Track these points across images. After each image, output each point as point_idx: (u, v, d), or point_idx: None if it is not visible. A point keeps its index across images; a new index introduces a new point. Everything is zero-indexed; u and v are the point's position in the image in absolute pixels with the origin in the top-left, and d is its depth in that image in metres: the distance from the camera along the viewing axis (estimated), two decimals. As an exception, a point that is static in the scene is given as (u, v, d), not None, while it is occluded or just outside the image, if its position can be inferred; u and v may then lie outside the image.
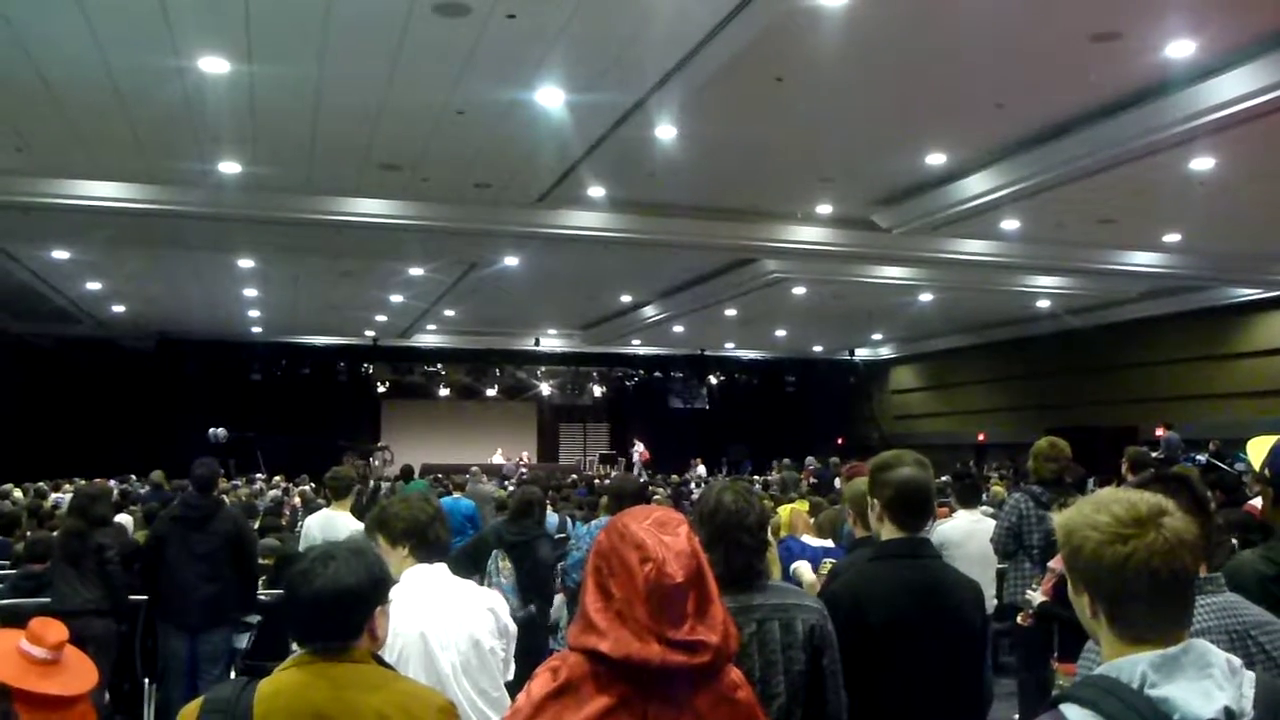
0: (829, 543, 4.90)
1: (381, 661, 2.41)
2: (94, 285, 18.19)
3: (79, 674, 4.61)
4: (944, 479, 9.47)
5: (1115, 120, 9.33)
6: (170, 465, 14.97)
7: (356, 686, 2.26)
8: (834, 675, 2.65)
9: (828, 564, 4.76)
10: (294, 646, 2.35)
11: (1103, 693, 1.58)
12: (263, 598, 6.94)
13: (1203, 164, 10.52)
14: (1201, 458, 13.67)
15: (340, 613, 2.28)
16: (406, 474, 14.65)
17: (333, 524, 6.83)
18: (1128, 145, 9.59)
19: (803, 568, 5.01)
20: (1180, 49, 8.01)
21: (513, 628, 3.34)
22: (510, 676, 3.31)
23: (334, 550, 2.36)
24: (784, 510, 5.91)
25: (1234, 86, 8.33)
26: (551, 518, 7.28)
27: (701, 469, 24.18)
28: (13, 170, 11.11)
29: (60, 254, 15.39)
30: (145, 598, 6.58)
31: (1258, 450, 3.14)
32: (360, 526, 6.87)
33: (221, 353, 24.72)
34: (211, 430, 16.71)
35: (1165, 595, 1.63)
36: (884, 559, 3.03)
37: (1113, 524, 1.65)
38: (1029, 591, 5.52)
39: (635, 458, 26.82)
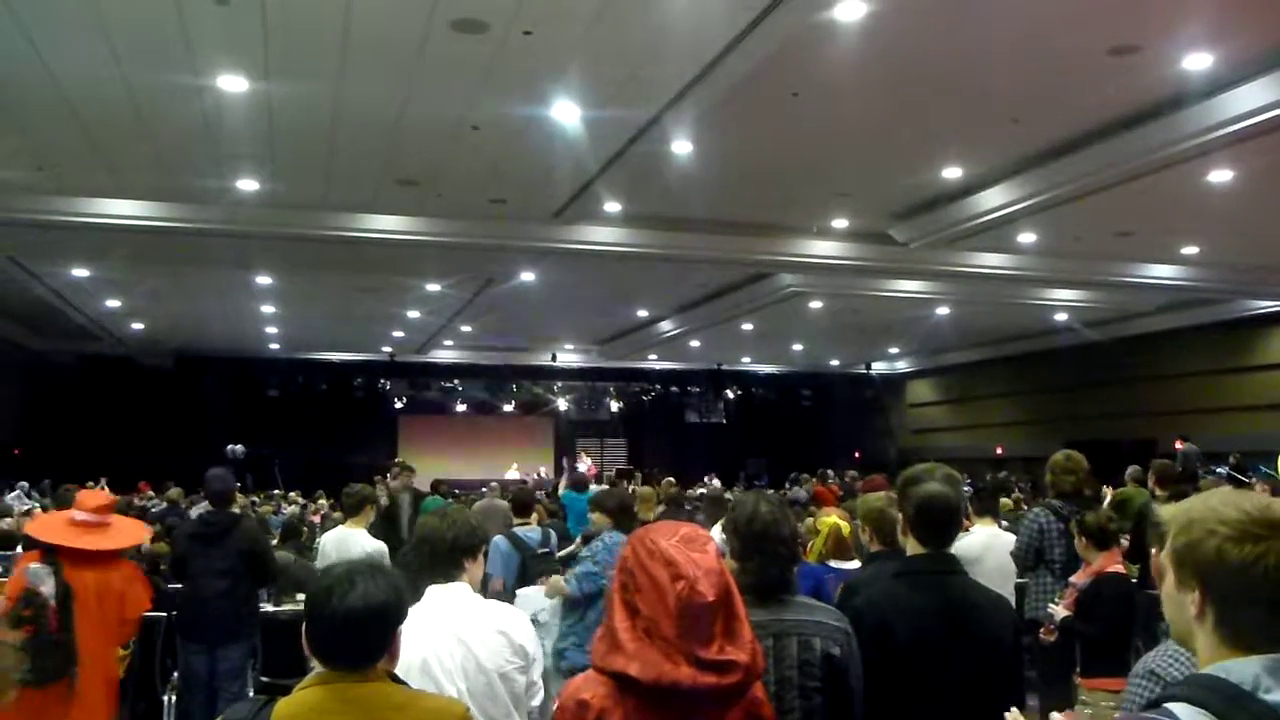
0: (855, 563, 4.84)
1: (396, 679, 2.37)
2: (113, 303, 18.30)
3: (123, 533, 4.81)
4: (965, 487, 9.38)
5: (1133, 133, 9.30)
6: (188, 482, 15.02)
7: (380, 707, 2.22)
8: (856, 700, 2.62)
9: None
10: (312, 664, 2.31)
11: (1212, 693, 1.49)
12: (279, 613, 6.94)
13: (1221, 176, 10.46)
14: (1222, 470, 13.55)
15: (372, 634, 2.25)
16: (435, 486, 14.65)
17: (348, 542, 6.82)
18: (1145, 158, 9.54)
19: None
20: (1198, 61, 7.98)
21: (532, 648, 3.16)
22: (537, 703, 3.17)
23: (356, 568, 2.32)
24: (825, 523, 5.58)
25: (1252, 98, 8.30)
26: (533, 532, 7.11)
27: (715, 483, 24.08)
28: (33, 189, 11.19)
29: (80, 272, 15.50)
30: (164, 614, 6.59)
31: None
32: (377, 544, 6.88)
33: (239, 369, 24.82)
34: (229, 447, 16.79)
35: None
36: (908, 575, 2.99)
37: (1244, 521, 1.55)
38: (1051, 606, 5.48)
39: (584, 471, 26.68)
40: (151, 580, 6.48)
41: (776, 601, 2.66)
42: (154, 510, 13.41)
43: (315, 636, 2.27)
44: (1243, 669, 1.50)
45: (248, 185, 11.10)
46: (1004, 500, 11.86)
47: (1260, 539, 1.53)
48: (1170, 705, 1.50)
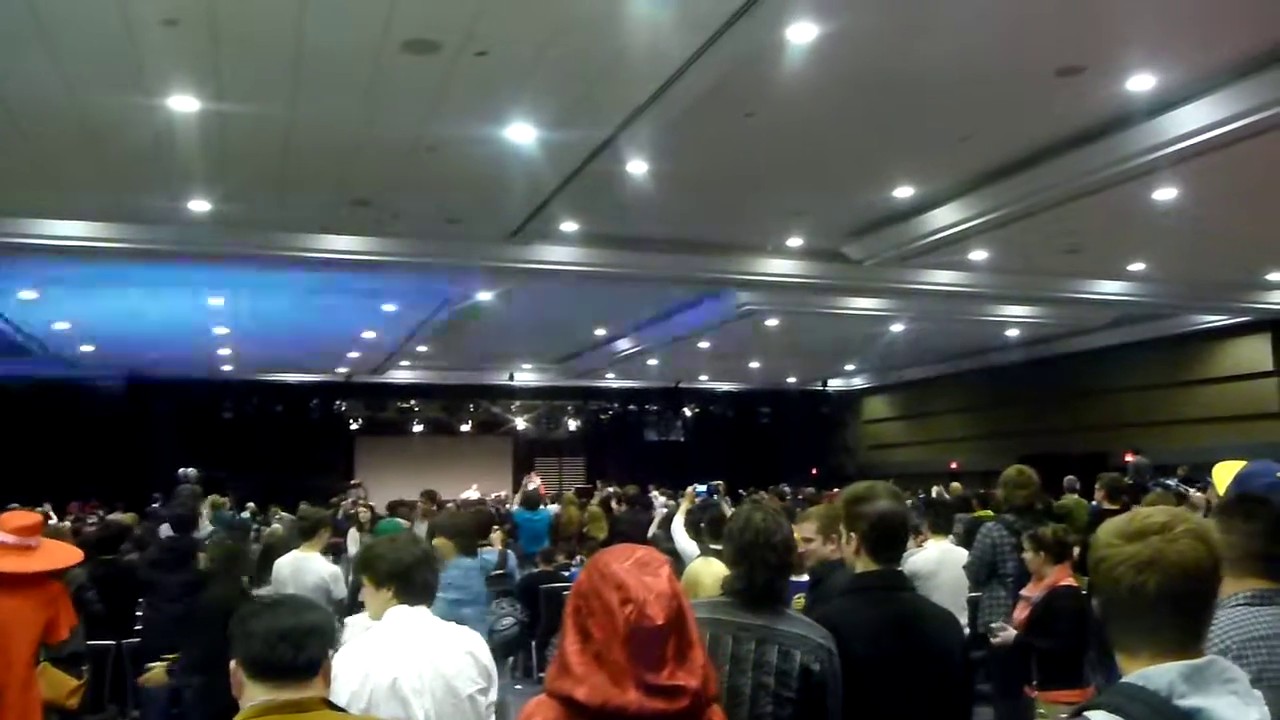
0: (804, 576, 4.84)
1: (334, 706, 2.37)
2: (62, 325, 18.01)
3: (52, 555, 4.58)
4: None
5: (1079, 152, 9.46)
6: (141, 505, 14.79)
7: None
8: (832, 714, 2.65)
9: (799, 599, 4.71)
10: (243, 700, 2.30)
11: (1130, 700, 1.54)
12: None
13: (1165, 194, 10.67)
14: (1172, 482, 13.77)
15: (310, 644, 2.27)
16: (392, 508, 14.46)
17: (303, 566, 6.75)
18: (1092, 177, 9.72)
19: None
20: (1141, 82, 8.15)
21: (493, 669, 3.23)
22: None
23: (283, 599, 2.44)
24: None
25: (1194, 118, 8.48)
26: (490, 554, 6.98)
27: (659, 497, 23.91)
28: (-22, 210, 11.01)
29: (27, 295, 15.24)
30: (112, 643, 6.51)
31: (1223, 475, 3.17)
32: (332, 569, 6.82)
33: (192, 391, 24.49)
34: (181, 470, 16.51)
35: (1179, 609, 1.59)
36: (860, 592, 3.03)
37: (1121, 530, 1.64)
38: (993, 624, 5.57)
39: (533, 487, 26.59)
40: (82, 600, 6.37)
41: (768, 609, 2.71)
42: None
43: (250, 648, 2.26)
44: (1160, 676, 1.55)
45: (200, 206, 10.98)
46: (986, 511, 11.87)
47: (1139, 538, 1.61)
48: (1090, 714, 1.56)
